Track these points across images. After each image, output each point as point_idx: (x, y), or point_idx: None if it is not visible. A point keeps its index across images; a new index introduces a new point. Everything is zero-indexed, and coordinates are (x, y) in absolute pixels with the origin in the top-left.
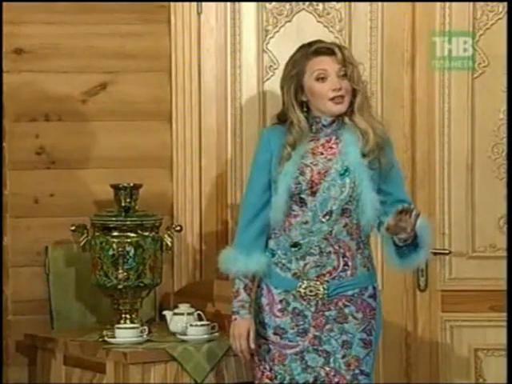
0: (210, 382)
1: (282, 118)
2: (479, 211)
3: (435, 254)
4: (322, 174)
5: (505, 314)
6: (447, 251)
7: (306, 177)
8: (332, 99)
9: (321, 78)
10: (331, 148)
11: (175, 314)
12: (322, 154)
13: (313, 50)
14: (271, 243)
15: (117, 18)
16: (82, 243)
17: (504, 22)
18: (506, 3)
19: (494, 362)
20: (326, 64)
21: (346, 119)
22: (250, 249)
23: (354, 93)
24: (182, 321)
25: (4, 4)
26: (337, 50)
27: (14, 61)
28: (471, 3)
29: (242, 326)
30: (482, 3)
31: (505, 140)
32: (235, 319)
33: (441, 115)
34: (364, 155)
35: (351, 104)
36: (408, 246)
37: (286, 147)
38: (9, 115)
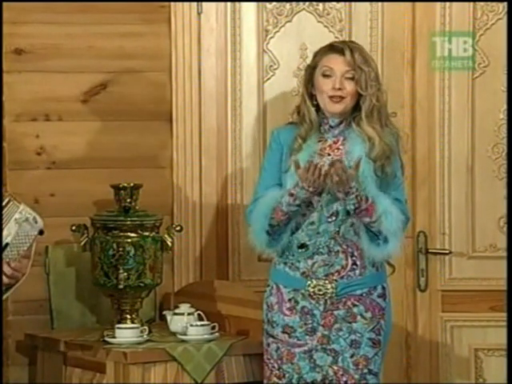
0: (210, 382)
1: (297, 111)
2: (479, 211)
3: (435, 253)
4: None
5: (505, 314)
6: (447, 251)
7: None
8: (331, 98)
9: (326, 75)
10: (338, 149)
11: (175, 314)
12: (329, 154)
13: (329, 46)
14: None
15: (117, 18)
16: (82, 243)
17: (504, 22)
18: (506, 3)
19: (494, 362)
20: (335, 63)
21: (354, 126)
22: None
23: (363, 98)
24: (183, 321)
25: (4, 4)
26: (347, 51)
27: (15, 61)
28: (471, 3)
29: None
30: (482, 3)
31: (505, 140)
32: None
33: (441, 115)
34: (369, 159)
35: (359, 110)
36: (378, 234)
37: (298, 139)
38: (9, 115)
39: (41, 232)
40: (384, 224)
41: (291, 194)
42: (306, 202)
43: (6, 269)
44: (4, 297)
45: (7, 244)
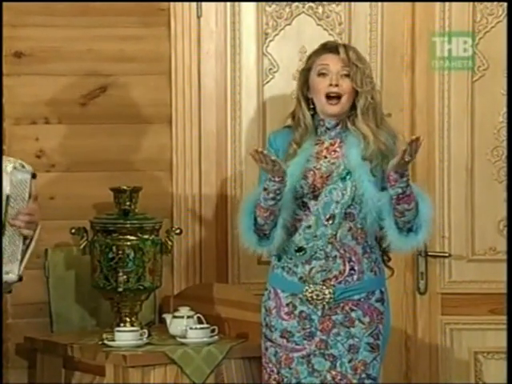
0: None
1: (293, 115)
2: (479, 214)
3: (435, 256)
4: (324, 178)
5: (505, 317)
6: (447, 254)
7: (308, 181)
8: (328, 97)
9: (322, 74)
10: (335, 151)
11: (175, 317)
12: (325, 157)
13: (322, 46)
14: None
15: (117, 21)
16: (81, 246)
17: (504, 25)
18: (505, 6)
19: (493, 365)
20: (330, 61)
21: (349, 124)
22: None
23: (359, 96)
24: (182, 324)
25: (4, 6)
26: (341, 49)
27: (14, 64)
28: (471, 5)
29: None
30: (481, 6)
31: (504, 143)
32: None
33: (440, 118)
34: (364, 159)
35: (355, 108)
36: (408, 222)
37: (292, 144)
38: (9, 118)
39: (33, 175)
40: (422, 211)
41: (264, 189)
42: (279, 194)
43: (21, 218)
44: (29, 251)
45: (8, 196)
